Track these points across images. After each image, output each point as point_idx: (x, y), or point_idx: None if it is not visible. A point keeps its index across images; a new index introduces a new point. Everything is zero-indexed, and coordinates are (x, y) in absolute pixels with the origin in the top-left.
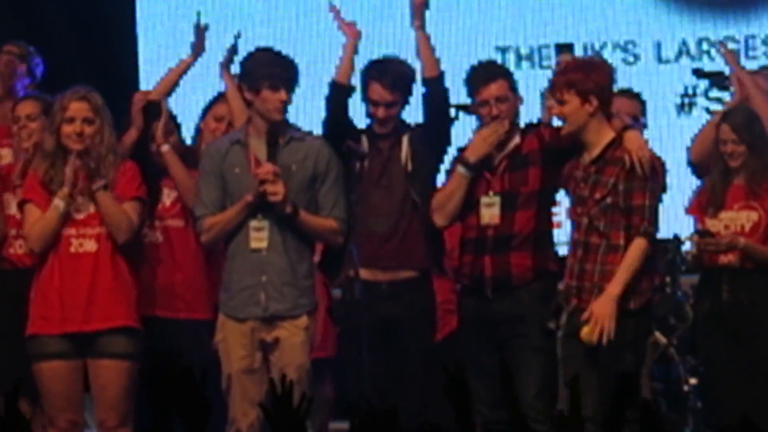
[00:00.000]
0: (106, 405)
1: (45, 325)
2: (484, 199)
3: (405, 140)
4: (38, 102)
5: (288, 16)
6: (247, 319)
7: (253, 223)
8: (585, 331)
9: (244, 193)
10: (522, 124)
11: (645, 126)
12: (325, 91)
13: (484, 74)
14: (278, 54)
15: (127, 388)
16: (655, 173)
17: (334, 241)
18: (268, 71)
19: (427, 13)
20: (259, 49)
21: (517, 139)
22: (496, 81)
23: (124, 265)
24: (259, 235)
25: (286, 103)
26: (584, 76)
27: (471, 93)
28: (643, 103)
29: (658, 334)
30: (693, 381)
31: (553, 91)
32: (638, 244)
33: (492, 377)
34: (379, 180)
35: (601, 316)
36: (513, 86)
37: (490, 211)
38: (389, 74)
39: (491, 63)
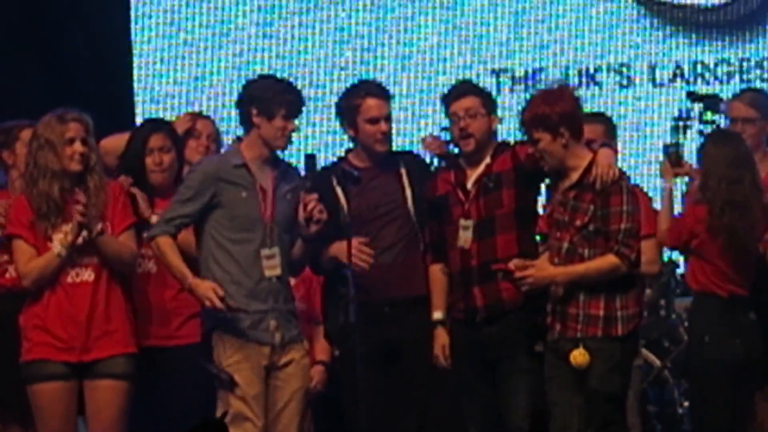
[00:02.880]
0: (102, 426)
1: (42, 350)
2: (462, 222)
3: (403, 172)
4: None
5: (283, 32)
6: (263, 344)
7: (265, 252)
8: (575, 354)
9: (252, 217)
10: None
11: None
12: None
13: (457, 90)
14: (290, 83)
15: (124, 409)
16: (634, 197)
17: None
18: (286, 99)
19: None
20: (270, 76)
21: (487, 159)
22: (467, 96)
23: (120, 292)
24: (272, 263)
25: (292, 133)
26: (549, 110)
27: (446, 110)
28: (610, 127)
29: (651, 357)
30: (687, 404)
31: (525, 132)
32: (607, 258)
33: (484, 400)
34: (378, 212)
35: (538, 277)
36: (487, 106)
37: (465, 234)
38: (382, 88)
39: (467, 82)
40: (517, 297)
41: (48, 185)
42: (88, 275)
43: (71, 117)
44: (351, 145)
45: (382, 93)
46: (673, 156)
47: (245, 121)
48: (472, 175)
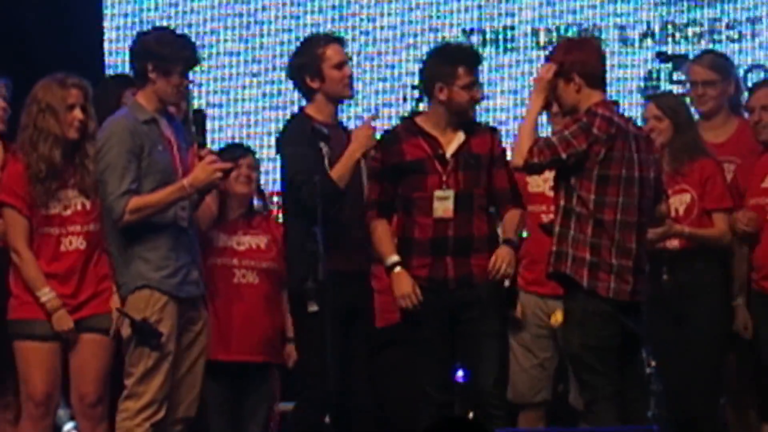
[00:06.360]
0: (87, 379)
1: (31, 309)
2: (437, 193)
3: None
4: None
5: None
6: (186, 298)
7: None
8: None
9: (169, 170)
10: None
11: None
12: None
13: (474, 59)
14: (186, 37)
15: (108, 366)
16: (584, 133)
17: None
18: (184, 56)
19: None
20: (165, 29)
21: (461, 134)
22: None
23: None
24: (183, 215)
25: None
26: (563, 57)
27: (446, 71)
28: None
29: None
30: (654, 363)
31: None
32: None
33: (444, 360)
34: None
35: None
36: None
37: (443, 204)
38: (336, 35)
39: (466, 47)
40: (485, 275)
41: (49, 149)
42: (80, 243)
43: (72, 82)
44: None
45: (339, 38)
46: None
47: (140, 75)
48: (449, 146)
